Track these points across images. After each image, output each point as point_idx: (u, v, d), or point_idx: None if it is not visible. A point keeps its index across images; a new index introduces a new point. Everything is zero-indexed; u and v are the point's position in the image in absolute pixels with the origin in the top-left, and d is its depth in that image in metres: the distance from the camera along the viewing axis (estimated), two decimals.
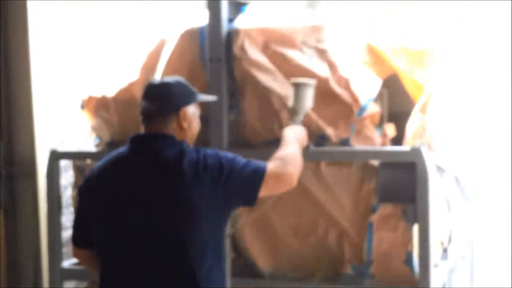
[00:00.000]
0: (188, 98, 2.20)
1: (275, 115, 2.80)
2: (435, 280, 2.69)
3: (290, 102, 2.59)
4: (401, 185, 2.61)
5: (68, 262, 3.37)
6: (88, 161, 3.26)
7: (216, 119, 2.86)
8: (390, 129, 2.84)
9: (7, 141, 3.49)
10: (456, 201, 3.78)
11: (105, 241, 2.14)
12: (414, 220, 2.63)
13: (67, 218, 3.66)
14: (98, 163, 2.25)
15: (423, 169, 2.55)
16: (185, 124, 2.16)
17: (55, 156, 3.21)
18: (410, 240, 2.66)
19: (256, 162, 2.15)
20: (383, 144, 2.77)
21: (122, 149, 2.21)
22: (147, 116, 2.17)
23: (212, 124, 2.86)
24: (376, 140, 2.73)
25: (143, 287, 2.07)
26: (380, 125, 2.79)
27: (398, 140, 2.83)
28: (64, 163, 3.49)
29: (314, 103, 2.60)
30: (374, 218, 2.70)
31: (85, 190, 2.21)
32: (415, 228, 2.64)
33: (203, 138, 2.91)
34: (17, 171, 3.51)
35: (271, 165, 2.16)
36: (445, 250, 3.16)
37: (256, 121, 2.87)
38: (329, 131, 2.71)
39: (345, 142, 2.71)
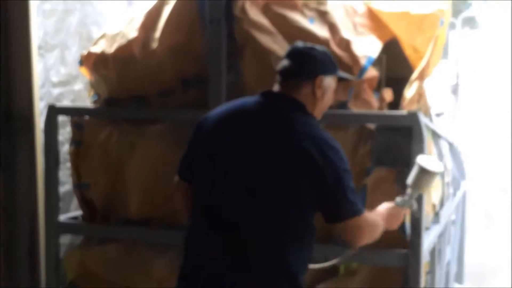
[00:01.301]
0: (328, 68, 2.15)
1: (275, 76, 2.79)
2: (426, 243, 2.75)
3: (409, 180, 2.35)
4: (397, 150, 2.64)
5: (65, 216, 3.42)
6: (86, 117, 3.28)
7: (215, 80, 2.86)
8: (388, 94, 2.86)
9: (4, 96, 3.48)
10: (450, 166, 3.84)
11: (199, 183, 2.12)
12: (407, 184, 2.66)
13: (64, 173, 3.68)
14: (224, 105, 2.21)
15: (419, 133, 2.57)
16: (318, 93, 2.11)
17: (53, 112, 3.22)
18: None
19: (358, 198, 2.07)
20: (380, 108, 2.79)
21: (250, 99, 2.16)
22: (284, 75, 2.13)
23: (210, 85, 2.87)
24: (373, 104, 2.75)
25: (222, 245, 2.03)
26: (378, 89, 2.81)
27: (395, 105, 2.85)
28: (61, 119, 3.49)
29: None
30: (368, 181, 2.73)
31: (201, 125, 2.17)
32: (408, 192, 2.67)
33: (202, 98, 2.94)
34: (15, 126, 3.51)
35: (365, 216, 2.08)
36: (436, 214, 3.21)
37: (255, 82, 2.86)
38: None
39: (343, 105, 2.73)
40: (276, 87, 2.15)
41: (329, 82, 2.15)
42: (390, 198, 2.69)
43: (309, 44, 2.19)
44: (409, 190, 2.33)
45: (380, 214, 2.24)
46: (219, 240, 2.05)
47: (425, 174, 2.28)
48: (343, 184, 2.01)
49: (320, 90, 2.11)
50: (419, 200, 2.56)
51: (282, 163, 2.00)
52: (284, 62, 2.14)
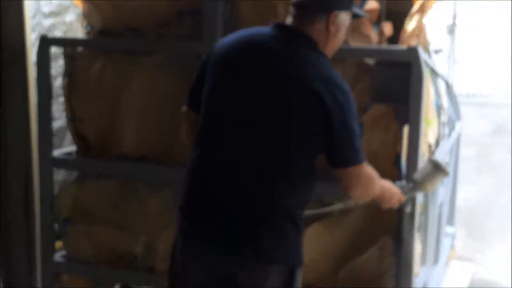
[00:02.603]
0: (344, 3, 2.09)
1: (272, 10, 2.74)
2: None
3: (417, 174, 2.46)
4: (395, 86, 2.60)
5: (59, 151, 3.39)
6: (79, 48, 3.21)
7: (210, 14, 2.79)
8: (388, 28, 2.79)
9: None
10: (446, 106, 3.81)
11: (205, 114, 2.10)
12: (405, 121, 2.64)
13: (56, 108, 3.64)
14: (237, 33, 2.16)
15: (418, 69, 2.53)
16: (332, 29, 2.05)
17: (46, 42, 3.14)
18: (399, 141, 2.68)
19: (360, 147, 2.05)
20: (380, 42, 2.73)
21: (263, 30, 2.11)
22: (299, 8, 2.07)
23: (206, 17, 2.80)
24: (372, 38, 2.69)
25: (226, 170, 2.04)
26: (377, 23, 2.74)
27: (394, 40, 2.79)
28: (54, 52, 3.42)
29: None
30: (366, 117, 2.70)
31: (211, 52, 2.14)
32: (406, 130, 2.66)
33: (198, 30, 2.87)
34: (5, 58, 3.43)
35: (366, 167, 2.09)
36: (432, 153, 3.20)
37: (252, 16, 2.80)
38: None
39: None
40: (289, 20, 2.10)
41: (344, 18, 2.09)
42: (388, 135, 2.70)
43: None
44: (412, 184, 2.44)
45: (380, 180, 2.24)
46: (219, 173, 2.05)
47: (436, 172, 2.43)
48: (351, 130, 2.00)
49: (334, 27, 2.06)
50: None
51: (291, 101, 1.98)
52: None
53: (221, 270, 2.05)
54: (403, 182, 2.44)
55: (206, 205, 2.07)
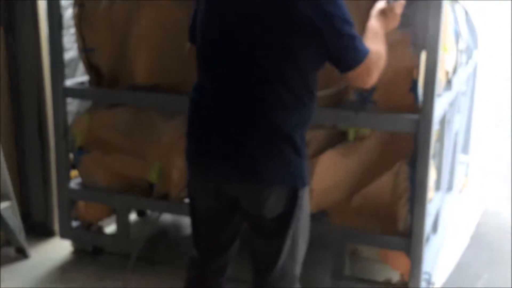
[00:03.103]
0: None
1: None
2: (438, 109, 2.71)
3: None
4: (413, 10, 2.53)
5: (71, 81, 3.37)
6: None
7: None
8: None
9: None
10: (464, 34, 3.73)
11: (203, 43, 2.12)
12: (422, 47, 2.58)
13: (68, 39, 3.60)
14: None
15: None
16: None
17: None
18: (416, 67, 2.64)
19: (361, 43, 2.02)
20: None
21: None
22: None
23: None
24: None
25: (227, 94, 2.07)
26: None
27: None
28: None
29: None
30: None
31: None
32: (423, 56, 2.60)
33: None
34: None
35: (370, 57, 2.02)
36: (449, 81, 3.15)
37: None
38: None
39: None
40: None
41: None
42: (404, 61, 2.64)
43: None
44: None
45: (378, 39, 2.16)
46: (218, 100, 2.08)
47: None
48: (347, 35, 1.98)
49: None
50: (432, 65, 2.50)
51: (281, 23, 1.97)
52: None
53: (226, 193, 2.13)
54: None
55: (207, 131, 2.12)
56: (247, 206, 2.13)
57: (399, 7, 2.22)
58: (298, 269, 2.22)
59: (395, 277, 2.91)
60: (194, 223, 2.31)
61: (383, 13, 2.20)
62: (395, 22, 2.23)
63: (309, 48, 1.99)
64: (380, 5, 2.22)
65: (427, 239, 2.77)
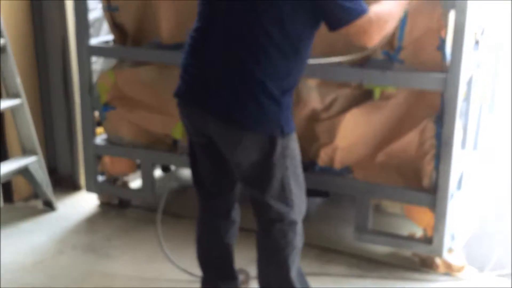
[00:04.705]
0: None
1: None
2: (465, 68, 2.67)
3: None
4: None
5: (96, 40, 3.38)
6: None
7: None
8: None
9: None
10: None
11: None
12: (451, 6, 2.54)
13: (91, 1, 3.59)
14: None
15: None
16: None
17: None
18: (445, 26, 2.60)
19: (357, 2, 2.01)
20: None
21: None
22: None
23: None
24: None
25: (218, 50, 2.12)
26: None
27: None
28: None
29: None
30: (409, 3, 2.60)
31: None
32: (451, 15, 2.57)
33: None
34: None
35: (373, 12, 2.02)
36: (477, 42, 3.10)
37: None
38: None
39: None
40: None
41: None
42: (432, 20, 2.60)
43: None
44: None
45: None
46: (209, 48, 2.15)
47: None
48: None
49: None
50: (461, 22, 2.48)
51: None
52: None
53: (207, 134, 2.21)
54: None
55: (197, 74, 2.19)
56: (223, 150, 2.20)
57: None
58: (296, 215, 2.27)
59: (419, 232, 2.94)
60: (192, 161, 2.42)
61: None
62: None
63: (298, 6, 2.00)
64: None
65: (452, 196, 2.77)
